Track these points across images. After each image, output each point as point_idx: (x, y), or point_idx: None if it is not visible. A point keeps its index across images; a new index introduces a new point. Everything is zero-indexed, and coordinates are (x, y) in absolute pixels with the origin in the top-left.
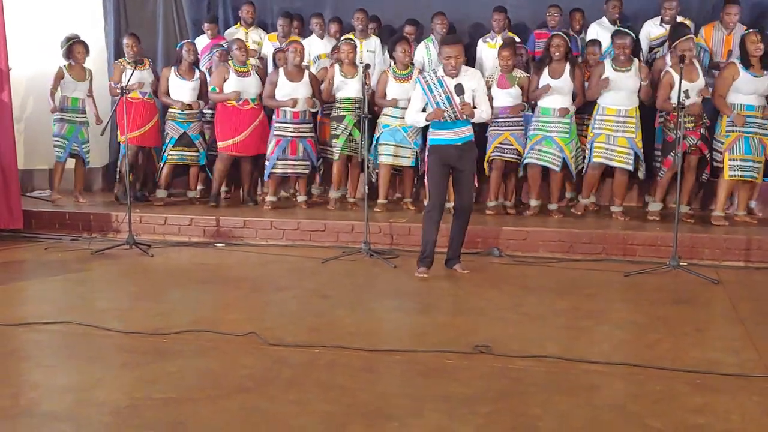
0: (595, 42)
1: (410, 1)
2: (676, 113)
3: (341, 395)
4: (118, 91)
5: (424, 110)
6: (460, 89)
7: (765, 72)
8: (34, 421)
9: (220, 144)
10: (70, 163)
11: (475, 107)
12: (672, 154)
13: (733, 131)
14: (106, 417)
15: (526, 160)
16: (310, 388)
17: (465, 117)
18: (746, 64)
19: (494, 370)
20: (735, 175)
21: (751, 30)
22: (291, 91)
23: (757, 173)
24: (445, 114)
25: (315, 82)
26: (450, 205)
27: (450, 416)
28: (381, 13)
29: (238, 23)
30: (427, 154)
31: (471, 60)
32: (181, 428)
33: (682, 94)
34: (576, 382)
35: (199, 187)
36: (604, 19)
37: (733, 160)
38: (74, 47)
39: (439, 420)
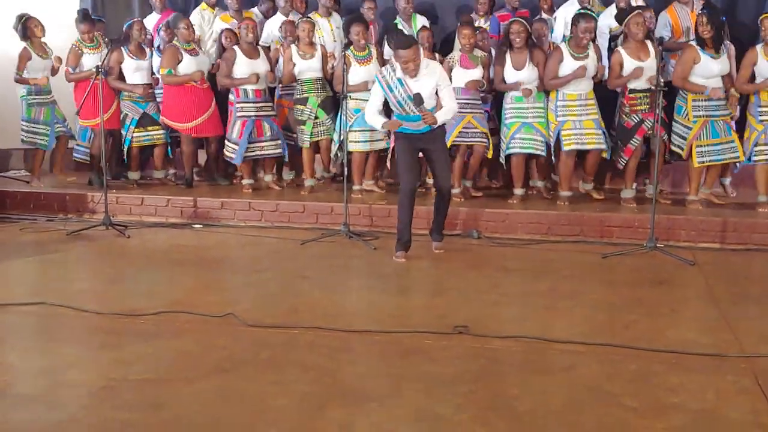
0: (543, 20)
1: None
2: (630, 97)
3: (320, 376)
4: (94, 71)
5: (386, 107)
6: (419, 100)
7: (720, 53)
8: (8, 403)
9: (179, 125)
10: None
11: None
12: (632, 142)
13: (699, 116)
14: (82, 399)
15: (510, 151)
16: (289, 369)
17: (414, 111)
18: (702, 45)
19: (472, 351)
20: (704, 162)
21: (700, 12)
22: (252, 68)
23: (733, 152)
24: (407, 108)
25: (269, 57)
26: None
27: (428, 396)
28: None
29: (204, 4)
30: (393, 139)
31: (450, 43)
32: (158, 410)
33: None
34: (553, 363)
35: (171, 171)
36: (575, 1)
37: (701, 146)
38: (29, 23)
39: (417, 400)
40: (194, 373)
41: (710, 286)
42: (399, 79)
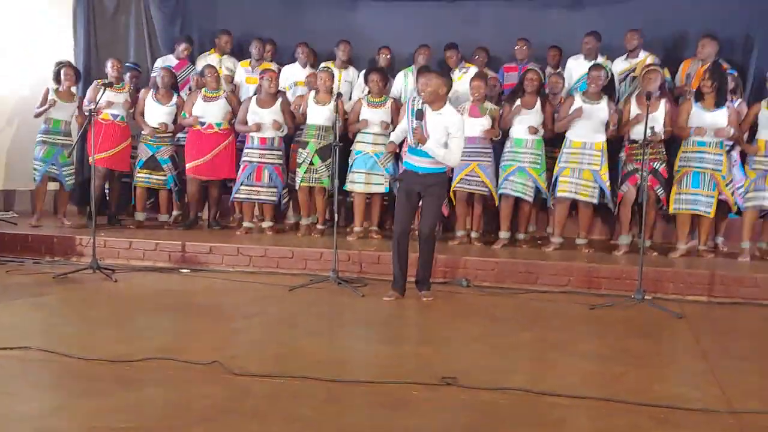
0: (559, 73)
1: (390, 33)
2: (629, 147)
3: (305, 427)
4: (86, 112)
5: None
6: (419, 115)
7: (716, 108)
8: None
9: (186, 167)
10: (54, 185)
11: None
12: (622, 188)
13: (683, 166)
14: None
15: (500, 191)
16: (274, 419)
17: (415, 142)
18: (699, 98)
19: (460, 403)
20: (679, 209)
21: (706, 68)
22: (258, 117)
23: (708, 207)
24: (413, 139)
25: (287, 108)
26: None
27: None
28: (361, 43)
29: (213, 50)
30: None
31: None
32: None
33: (648, 130)
34: (543, 416)
35: (175, 213)
36: (580, 55)
37: (679, 193)
38: (62, 71)
39: None
40: (178, 422)
41: (698, 339)
42: (419, 109)
